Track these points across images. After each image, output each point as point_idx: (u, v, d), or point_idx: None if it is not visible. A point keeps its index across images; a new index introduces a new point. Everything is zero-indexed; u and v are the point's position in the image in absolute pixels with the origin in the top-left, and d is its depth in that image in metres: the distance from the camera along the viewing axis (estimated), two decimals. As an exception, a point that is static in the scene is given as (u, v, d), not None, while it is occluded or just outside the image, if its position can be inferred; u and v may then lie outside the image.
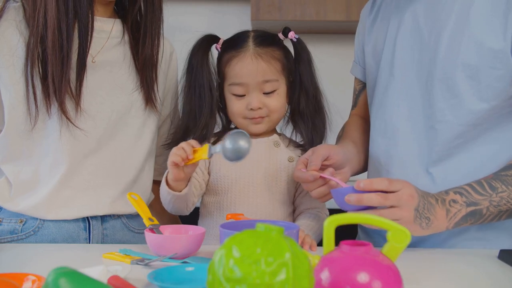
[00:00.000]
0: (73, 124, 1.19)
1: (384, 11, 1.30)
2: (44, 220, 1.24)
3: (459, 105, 1.11)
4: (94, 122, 1.23)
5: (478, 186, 1.07)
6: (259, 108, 1.25)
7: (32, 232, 1.24)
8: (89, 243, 1.28)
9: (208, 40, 1.32)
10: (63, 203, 1.23)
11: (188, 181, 1.18)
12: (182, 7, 2.66)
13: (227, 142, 1.08)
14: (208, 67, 1.30)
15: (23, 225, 1.24)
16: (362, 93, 1.43)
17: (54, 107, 1.18)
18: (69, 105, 1.19)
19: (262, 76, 1.24)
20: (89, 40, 1.18)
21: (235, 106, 1.28)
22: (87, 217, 1.27)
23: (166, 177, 1.18)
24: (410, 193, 1.02)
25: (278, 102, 1.27)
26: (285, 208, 1.29)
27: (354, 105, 1.47)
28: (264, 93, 1.26)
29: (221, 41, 1.32)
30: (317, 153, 1.16)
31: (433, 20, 1.15)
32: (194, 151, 1.11)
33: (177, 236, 1.09)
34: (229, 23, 2.62)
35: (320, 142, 1.30)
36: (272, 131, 1.33)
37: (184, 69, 1.31)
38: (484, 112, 1.10)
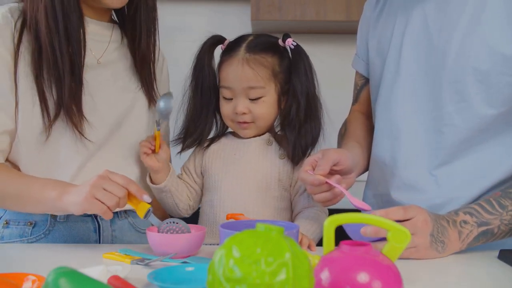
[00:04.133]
0: (84, 137, 1.20)
1: (391, 5, 1.27)
2: (55, 222, 1.25)
3: (467, 109, 1.10)
4: (103, 120, 1.25)
5: (487, 205, 1.06)
6: (244, 113, 1.26)
7: (42, 235, 1.24)
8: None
9: (213, 41, 1.32)
10: None
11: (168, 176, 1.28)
12: (182, 7, 2.66)
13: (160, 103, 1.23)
14: (210, 68, 1.31)
15: (33, 227, 1.24)
16: (364, 89, 1.41)
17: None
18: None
19: (247, 82, 1.25)
20: (83, 57, 1.20)
21: (224, 108, 1.30)
22: (96, 218, 1.28)
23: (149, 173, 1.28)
24: (424, 219, 1.02)
25: (264, 109, 1.27)
26: (277, 204, 1.29)
27: (355, 101, 1.45)
28: (250, 99, 1.26)
29: (226, 42, 1.32)
30: (327, 157, 1.13)
31: (443, 20, 1.14)
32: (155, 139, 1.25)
33: (178, 236, 1.09)
34: (229, 23, 2.62)
35: (304, 152, 1.27)
36: (266, 130, 1.33)
37: (191, 69, 1.32)
38: (491, 118, 1.09)
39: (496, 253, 1.06)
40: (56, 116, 1.18)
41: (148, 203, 1.10)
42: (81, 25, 1.19)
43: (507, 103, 1.08)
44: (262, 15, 2.37)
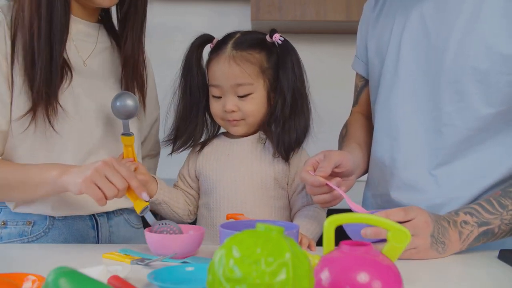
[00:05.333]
0: (53, 129, 1.19)
1: (390, 6, 1.27)
2: (53, 221, 1.25)
3: (467, 109, 1.10)
4: (92, 122, 1.25)
5: (487, 205, 1.06)
6: (233, 111, 1.26)
7: (42, 234, 1.24)
8: (98, 241, 1.29)
9: (202, 40, 1.32)
10: (70, 200, 1.23)
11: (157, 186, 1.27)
12: (182, 7, 2.66)
13: (115, 102, 1.22)
14: (199, 67, 1.31)
15: (32, 227, 1.24)
16: (364, 90, 1.41)
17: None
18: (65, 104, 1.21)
19: (235, 79, 1.24)
20: (63, 44, 1.19)
21: (213, 107, 1.29)
22: (94, 215, 1.29)
23: None
24: (425, 220, 1.01)
25: (253, 106, 1.26)
26: (274, 203, 1.29)
27: (355, 102, 1.45)
28: (239, 96, 1.26)
29: (215, 41, 1.32)
30: (329, 159, 1.13)
31: (441, 20, 1.13)
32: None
33: (177, 236, 1.10)
34: (229, 23, 2.62)
35: (288, 149, 1.26)
36: (258, 128, 1.32)
37: (180, 69, 1.32)
38: (491, 117, 1.09)
39: (496, 253, 1.06)
40: (36, 106, 1.17)
41: (146, 201, 1.10)
42: (67, 13, 1.18)
43: (506, 102, 1.08)
44: (262, 15, 2.37)
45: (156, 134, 1.49)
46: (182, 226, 1.14)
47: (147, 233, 1.08)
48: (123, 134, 1.22)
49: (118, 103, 1.22)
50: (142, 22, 1.30)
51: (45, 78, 1.17)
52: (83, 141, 1.24)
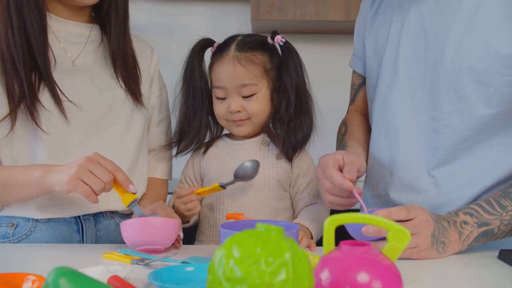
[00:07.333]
0: (41, 129, 1.19)
1: (387, 4, 1.27)
2: (36, 223, 1.24)
3: (465, 109, 1.10)
4: (79, 120, 1.24)
5: (487, 205, 1.06)
6: (238, 111, 1.27)
7: (24, 236, 1.23)
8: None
9: (203, 44, 1.34)
10: (54, 202, 1.22)
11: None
12: (182, 7, 2.66)
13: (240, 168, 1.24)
14: (201, 70, 1.32)
15: (15, 228, 1.23)
16: (361, 89, 1.41)
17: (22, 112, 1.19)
18: (46, 104, 1.20)
19: (240, 80, 1.26)
20: (46, 52, 1.19)
21: (218, 109, 1.30)
22: (80, 218, 1.27)
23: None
24: (426, 219, 1.01)
25: (257, 105, 1.28)
26: (276, 204, 1.29)
27: (352, 101, 1.45)
28: (243, 97, 1.27)
29: (215, 44, 1.33)
30: (353, 164, 1.10)
31: (439, 20, 1.13)
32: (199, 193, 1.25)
33: (151, 224, 1.09)
34: (229, 23, 2.62)
35: (295, 148, 1.27)
36: (261, 130, 1.33)
37: (182, 72, 1.33)
38: (490, 118, 1.09)
39: (496, 253, 1.06)
40: (16, 107, 1.17)
41: (133, 194, 1.10)
42: (41, 19, 1.18)
43: (505, 102, 1.08)
44: (262, 15, 2.37)
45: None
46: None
47: (121, 225, 1.09)
48: (221, 185, 1.24)
49: (238, 166, 1.25)
50: (124, 16, 1.29)
51: (31, 87, 1.17)
52: (65, 142, 1.22)
